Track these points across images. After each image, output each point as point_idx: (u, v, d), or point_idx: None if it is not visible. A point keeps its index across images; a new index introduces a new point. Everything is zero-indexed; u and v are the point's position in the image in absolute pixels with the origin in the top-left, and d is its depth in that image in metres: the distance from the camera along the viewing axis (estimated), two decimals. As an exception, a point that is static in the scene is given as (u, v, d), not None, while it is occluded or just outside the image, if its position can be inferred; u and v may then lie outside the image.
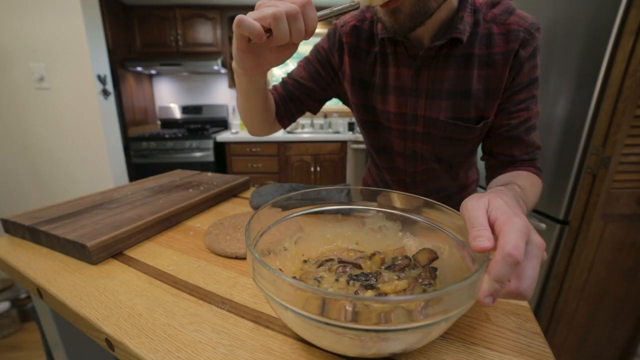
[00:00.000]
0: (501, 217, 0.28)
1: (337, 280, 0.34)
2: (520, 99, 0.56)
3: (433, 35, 0.55)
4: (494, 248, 0.26)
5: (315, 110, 0.72)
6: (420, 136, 0.63)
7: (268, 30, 0.35)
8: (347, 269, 0.36)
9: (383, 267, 0.37)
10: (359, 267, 0.37)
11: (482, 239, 0.26)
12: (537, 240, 0.27)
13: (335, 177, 2.78)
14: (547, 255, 1.12)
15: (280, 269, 0.36)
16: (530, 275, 0.26)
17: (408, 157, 0.67)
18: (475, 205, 0.30)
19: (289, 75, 0.69)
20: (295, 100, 0.69)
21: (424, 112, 0.60)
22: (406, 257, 0.39)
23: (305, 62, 0.68)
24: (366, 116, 0.67)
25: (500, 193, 0.34)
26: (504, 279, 0.25)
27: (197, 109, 3.03)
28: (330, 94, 0.71)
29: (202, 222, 0.62)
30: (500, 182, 0.54)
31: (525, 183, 0.51)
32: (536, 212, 1.18)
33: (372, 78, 0.63)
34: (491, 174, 0.64)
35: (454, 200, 0.77)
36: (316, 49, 0.68)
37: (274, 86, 0.70)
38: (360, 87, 0.64)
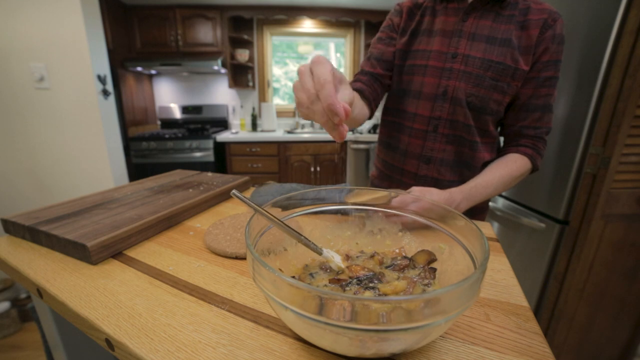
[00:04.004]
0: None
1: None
2: (547, 76, 0.65)
3: None
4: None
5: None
6: (456, 72, 0.68)
7: None
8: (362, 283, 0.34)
9: (383, 266, 0.37)
10: (375, 278, 0.35)
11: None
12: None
13: (335, 177, 2.78)
14: (547, 255, 1.13)
15: (280, 269, 0.36)
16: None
17: (438, 98, 0.70)
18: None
19: (368, 58, 0.78)
20: (379, 77, 0.76)
21: (464, 50, 0.67)
22: (405, 257, 0.39)
23: (377, 39, 0.79)
24: (405, 60, 0.74)
25: (444, 191, 0.59)
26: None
27: (197, 109, 3.03)
28: None
29: (202, 222, 0.62)
30: (490, 166, 0.69)
31: (495, 175, 0.65)
32: (536, 212, 1.18)
33: (419, 27, 0.73)
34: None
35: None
36: (387, 21, 0.78)
37: (356, 76, 0.78)
38: (408, 35, 0.74)
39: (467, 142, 0.70)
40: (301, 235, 0.35)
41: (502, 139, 0.77)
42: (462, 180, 0.73)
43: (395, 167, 0.79)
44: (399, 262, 0.37)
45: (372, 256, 0.39)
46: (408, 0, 0.77)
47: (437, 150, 0.72)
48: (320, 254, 0.36)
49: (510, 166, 0.67)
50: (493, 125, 0.71)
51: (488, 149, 0.73)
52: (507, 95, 0.67)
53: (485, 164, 0.74)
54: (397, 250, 0.41)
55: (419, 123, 0.73)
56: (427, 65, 0.70)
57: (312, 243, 0.36)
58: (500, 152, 0.74)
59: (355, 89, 0.72)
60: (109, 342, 0.32)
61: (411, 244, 0.41)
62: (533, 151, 0.68)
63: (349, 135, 2.71)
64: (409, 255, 0.39)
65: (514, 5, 0.65)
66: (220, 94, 3.09)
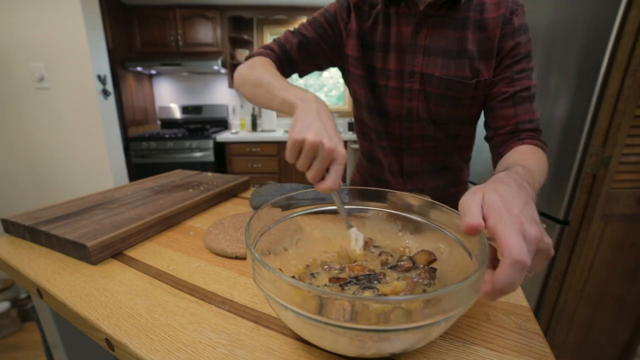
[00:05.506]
0: (492, 217, 0.27)
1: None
2: (522, 68, 0.59)
3: None
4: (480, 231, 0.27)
5: (302, 74, 0.72)
6: (416, 93, 0.64)
7: None
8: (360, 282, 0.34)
9: (386, 267, 0.37)
10: (374, 279, 0.35)
11: (472, 217, 0.27)
12: (530, 233, 0.26)
13: (335, 177, 2.78)
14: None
15: (280, 269, 0.36)
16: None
17: (404, 118, 0.67)
18: (471, 203, 0.29)
19: (293, 33, 0.67)
20: (293, 64, 0.68)
21: (421, 68, 0.62)
22: (410, 258, 0.39)
23: (312, 20, 0.68)
24: (366, 74, 0.67)
25: (498, 183, 0.32)
26: (515, 285, 0.24)
27: (197, 109, 3.03)
28: (331, 56, 0.70)
29: (202, 222, 0.62)
30: (506, 164, 0.51)
31: (531, 161, 0.48)
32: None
33: (373, 36, 0.65)
34: (497, 154, 0.62)
35: (449, 193, 0.76)
36: (325, 9, 0.68)
37: (270, 46, 0.67)
38: (362, 43, 0.66)
39: (442, 150, 0.71)
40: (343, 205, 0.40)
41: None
42: (445, 183, 0.75)
43: (383, 180, 0.78)
44: (402, 263, 0.37)
45: (379, 254, 0.39)
46: None
47: (416, 165, 0.72)
48: (349, 228, 0.38)
49: (537, 155, 0.53)
50: (466, 127, 0.70)
51: (464, 146, 0.73)
52: (473, 106, 0.64)
53: (464, 160, 0.76)
54: (400, 249, 0.41)
55: (392, 140, 0.71)
56: (387, 86, 0.66)
57: (347, 216, 0.39)
58: (500, 152, 0.61)
59: (267, 57, 0.65)
60: (109, 342, 0.32)
61: (411, 244, 0.41)
62: (541, 143, 0.58)
63: (349, 135, 2.71)
64: (410, 255, 0.39)
65: (467, 4, 0.59)
66: (220, 94, 3.09)
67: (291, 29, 0.68)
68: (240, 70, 0.62)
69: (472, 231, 0.27)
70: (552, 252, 0.28)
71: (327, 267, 0.37)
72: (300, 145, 0.39)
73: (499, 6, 0.58)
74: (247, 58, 0.65)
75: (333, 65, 0.73)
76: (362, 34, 0.66)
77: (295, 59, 0.68)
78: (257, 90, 0.55)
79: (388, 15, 0.63)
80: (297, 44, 0.67)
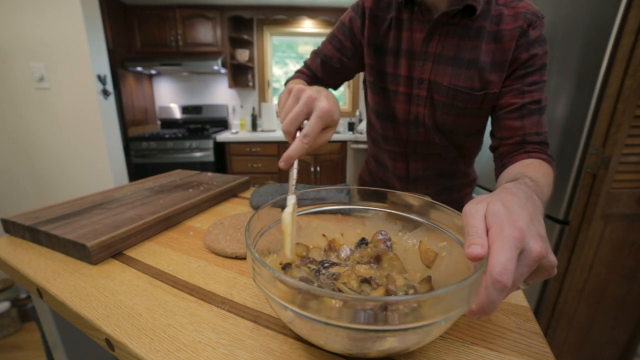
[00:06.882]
0: (493, 227, 0.26)
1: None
2: (534, 80, 0.58)
3: (448, 3, 0.59)
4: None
5: (335, 88, 0.77)
6: (423, 100, 0.64)
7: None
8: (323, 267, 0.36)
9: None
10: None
11: (475, 247, 0.26)
12: (533, 249, 0.25)
13: (335, 177, 2.78)
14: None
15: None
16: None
17: (411, 124, 0.68)
18: (474, 212, 0.29)
19: (316, 53, 0.73)
20: (320, 82, 0.73)
21: (429, 75, 0.62)
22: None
23: (331, 37, 0.72)
24: (376, 80, 0.69)
25: (505, 193, 0.31)
26: (495, 304, 0.24)
27: (197, 109, 3.03)
28: (354, 65, 0.72)
29: (202, 222, 0.62)
30: (510, 175, 0.49)
31: (537, 174, 0.46)
32: (536, 212, 1.18)
33: (386, 42, 0.65)
34: (501, 165, 0.61)
35: (453, 198, 0.77)
36: (341, 22, 0.71)
37: (301, 70, 0.74)
38: (374, 50, 0.67)
39: (447, 158, 0.71)
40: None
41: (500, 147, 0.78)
42: (450, 186, 0.76)
43: (388, 183, 0.80)
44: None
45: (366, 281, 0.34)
46: None
47: (420, 170, 0.73)
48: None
49: (543, 168, 0.51)
50: (472, 137, 0.70)
51: (469, 154, 0.74)
52: (479, 117, 0.64)
53: (469, 164, 0.76)
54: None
55: (399, 146, 0.72)
56: (397, 91, 0.66)
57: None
58: (505, 163, 0.59)
59: (301, 79, 0.72)
60: (109, 342, 0.32)
61: (411, 244, 0.41)
62: (547, 157, 0.56)
63: (349, 135, 2.71)
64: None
65: (484, 14, 0.58)
66: (220, 94, 3.09)
67: (315, 48, 0.74)
68: (280, 97, 0.69)
69: (476, 259, 0.26)
70: (555, 271, 0.28)
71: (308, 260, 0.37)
72: (289, 93, 0.42)
73: (516, 18, 0.57)
74: (286, 83, 0.72)
75: (359, 71, 0.75)
76: (375, 40, 0.66)
77: (321, 77, 0.73)
78: None
79: (401, 20, 0.63)
80: (320, 63, 0.72)
